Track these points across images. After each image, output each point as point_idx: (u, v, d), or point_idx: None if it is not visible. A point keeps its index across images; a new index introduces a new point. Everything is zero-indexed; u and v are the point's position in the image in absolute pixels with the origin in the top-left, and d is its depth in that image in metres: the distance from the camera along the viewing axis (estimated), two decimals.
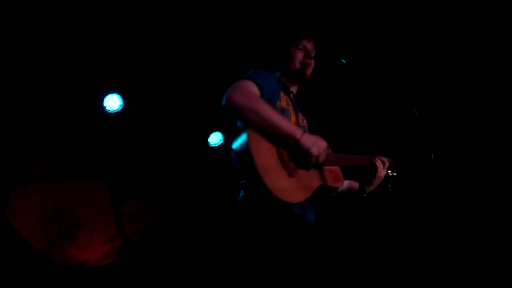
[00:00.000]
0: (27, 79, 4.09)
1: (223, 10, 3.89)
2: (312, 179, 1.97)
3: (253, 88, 1.97)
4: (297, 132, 1.91)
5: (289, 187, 1.83)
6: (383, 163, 2.28)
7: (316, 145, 1.92)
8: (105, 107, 4.30)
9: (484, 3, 3.56)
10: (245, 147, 1.81)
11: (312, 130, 2.22)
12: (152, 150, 4.78)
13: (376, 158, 2.28)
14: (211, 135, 4.84)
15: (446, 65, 4.02)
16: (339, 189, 2.30)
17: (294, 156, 1.94)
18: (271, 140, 1.89)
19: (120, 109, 4.34)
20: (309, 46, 2.28)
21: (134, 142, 4.71)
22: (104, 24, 3.91)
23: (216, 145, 4.87)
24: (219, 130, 4.85)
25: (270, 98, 2.05)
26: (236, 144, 1.87)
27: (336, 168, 2.16)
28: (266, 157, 1.83)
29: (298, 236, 1.91)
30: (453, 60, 3.97)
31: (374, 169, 2.25)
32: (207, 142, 4.84)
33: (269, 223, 1.87)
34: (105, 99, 4.28)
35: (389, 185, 2.28)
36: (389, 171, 2.34)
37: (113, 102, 4.31)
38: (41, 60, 4.03)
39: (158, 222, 4.78)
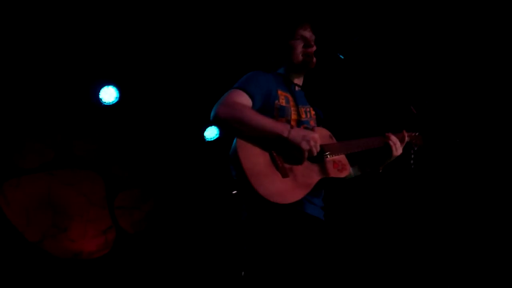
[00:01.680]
0: (23, 70, 4.06)
1: (222, 5, 3.87)
2: (311, 174, 1.96)
3: (240, 97, 1.96)
4: (283, 130, 1.90)
5: (282, 189, 1.84)
6: (401, 140, 2.24)
7: (306, 138, 1.89)
8: (101, 99, 4.27)
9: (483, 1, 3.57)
10: (235, 156, 1.84)
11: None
12: (147, 143, 4.77)
13: (390, 137, 2.22)
14: (207, 129, 4.83)
15: (443, 62, 4.02)
16: (350, 175, 2.26)
17: (288, 156, 1.93)
18: (261, 145, 1.89)
19: (116, 101, 4.32)
20: (307, 33, 2.25)
21: (130, 135, 4.69)
22: (101, 15, 3.88)
23: (212, 139, 4.86)
24: (215, 125, 4.84)
25: (266, 100, 2.04)
26: (230, 154, 1.91)
27: (341, 157, 2.13)
28: (257, 163, 1.85)
29: (301, 234, 1.91)
30: (450, 56, 3.98)
31: (389, 149, 2.20)
32: (203, 136, 4.83)
33: (272, 222, 1.89)
34: (101, 91, 4.26)
35: (412, 161, 2.25)
36: (414, 147, 2.29)
37: (109, 94, 4.29)
38: (37, 51, 4.00)
39: (152, 216, 4.77)
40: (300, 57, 2.23)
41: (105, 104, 4.30)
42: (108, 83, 4.28)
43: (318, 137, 1.94)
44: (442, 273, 3.96)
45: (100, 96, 4.26)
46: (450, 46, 3.95)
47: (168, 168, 4.86)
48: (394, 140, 2.22)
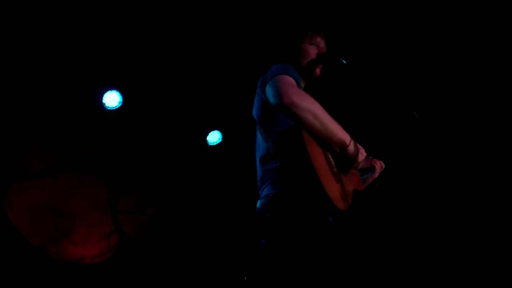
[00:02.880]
0: (26, 75, 4.08)
1: (225, 7, 3.88)
2: (349, 184, 1.94)
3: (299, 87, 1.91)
4: (347, 138, 1.88)
5: (339, 194, 1.80)
6: (381, 167, 2.32)
7: (361, 152, 1.92)
8: (104, 104, 4.29)
9: (484, 3, 3.57)
10: (302, 151, 1.73)
11: None
12: (150, 147, 4.78)
13: (377, 162, 2.31)
14: (209, 134, 4.84)
15: (446, 66, 4.02)
16: None
17: (338, 160, 1.91)
18: (319, 143, 1.85)
19: (119, 106, 4.34)
20: (322, 43, 2.23)
21: (133, 140, 4.70)
22: (105, 20, 3.90)
23: (214, 144, 4.87)
24: (217, 129, 4.85)
25: None
26: (288, 147, 1.80)
27: (356, 171, 2.13)
28: (321, 161, 1.79)
29: (328, 237, 1.88)
30: (453, 61, 3.98)
31: (373, 171, 2.29)
32: (205, 141, 4.84)
33: (302, 223, 1.81)
34: (104, 95, 4.28)
35: (377, 184, 2.33)
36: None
37: (112, 99, 4.31)
38: (41, 56, 4.02)
39: (155, 220, 4.78)
40: (311, 63, 2.19)
41: (108, 108, 4.31)
42: (111, 88, 4.30)
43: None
44: (446, 275, 3.95)
45: (104, 101, 4.28)
46: (453, 50, 3.95)
47: (170, 173, 4.87)
48: (378, 165, 2.31)
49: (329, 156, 1.88)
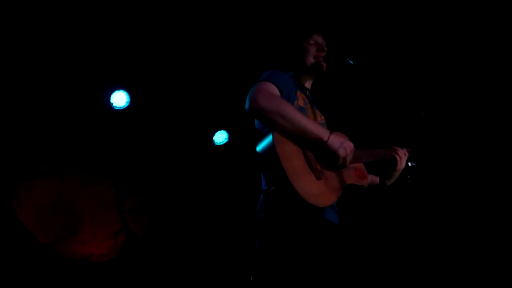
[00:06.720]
0: (35, 75, 4.11)
1: (232, 9, 3.90)
2: (339, 179, 1.96)
3: (275, 90, 1.94)
4: (324, 134, 1.89)
5: (319, 191, 1.83)
6: (404, 155, 2.24)
7: (343, 146, 1.91)
8: (112, 104, 4.32)
9: (492, 5, 3.57)
10: (272, 152, 1.78)
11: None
12: (157, 147, 4.80)
13: (397, 151, 2.24)
14: (216, 134, 4.85)
15: (454, 67, 4.02)
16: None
17: (321, 157, 1.92)
18: (296, 142, 1.87)
19: (126, 106, 4.36)
20: (320, 39, 2.29)
21: (140, 139, 4.73)
22: (113, 20, 3.93)
23: (221, 144, 4.89)
24: (224, 129, 4.87)
25: (288, 99, 2.03)
26: (262, 148, 1.85)
27: (361, 165, 2.15)
28: (294, 161, 1.82)
29: (319, 237, 1.89)
30: (461, 62, 3.97)
31: (394, 162, 2.22)
32: (212, 141, 4.86)
33: (292, 224, 1.85)
34: (112, 95, 4.31)
35: (409, 176, 2.27)
36: (408, 162, 2.30)
37: (120, 99, 4.33)
38: (49, 56, 4.05)
39: (162, 219, 4.80)
40: (313, 59, 2.24)
41: (116, 108, 4.34)
42: (119, 88, 4.32)
43: (352, 145, 1.97)
44: (448, 276, 3.95)
45: (111, 101, 4.31)
46: (460, 50, 3.94)
47: (177, 172, 4.89)
48: (400, 153, 2.24)
49: (310, 154, 1.89)
